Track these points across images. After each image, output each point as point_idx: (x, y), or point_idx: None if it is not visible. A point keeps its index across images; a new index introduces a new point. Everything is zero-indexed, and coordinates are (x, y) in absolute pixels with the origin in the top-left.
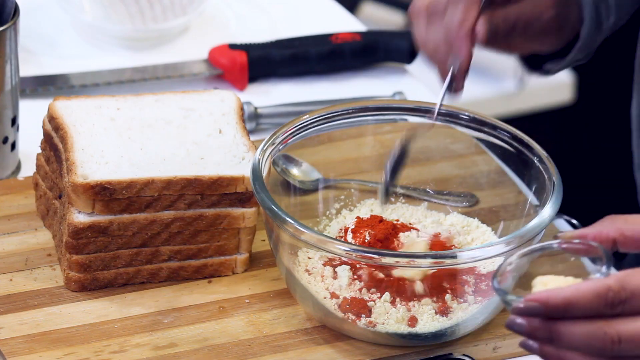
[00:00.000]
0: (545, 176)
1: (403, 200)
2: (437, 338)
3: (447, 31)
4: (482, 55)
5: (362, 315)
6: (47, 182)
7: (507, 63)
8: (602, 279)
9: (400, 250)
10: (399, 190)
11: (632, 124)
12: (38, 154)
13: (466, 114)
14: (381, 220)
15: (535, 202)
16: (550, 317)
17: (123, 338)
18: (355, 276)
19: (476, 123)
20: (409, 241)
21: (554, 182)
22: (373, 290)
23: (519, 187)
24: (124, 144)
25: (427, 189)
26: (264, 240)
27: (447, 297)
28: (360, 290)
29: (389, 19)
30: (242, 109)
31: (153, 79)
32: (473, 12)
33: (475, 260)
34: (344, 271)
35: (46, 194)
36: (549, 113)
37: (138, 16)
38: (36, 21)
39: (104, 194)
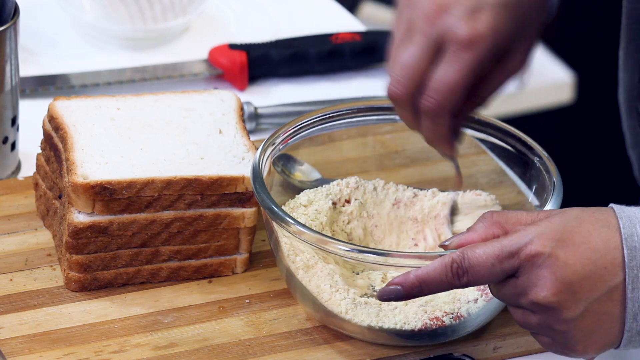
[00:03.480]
0: (546, 176)
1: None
2: (437, 338)
3: (427, 140)
4: None
5: None
6: (47, 182)
7: None
8: (449, 253)
9: (398, 250)
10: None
11: (621, 109)
12: (38, 154)
13: None
14: None
15: (536, 202)
16: (410, 295)
17: (123, 338)
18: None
19: (477, 123)
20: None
21: (554, 182)
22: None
23: (519, 187)
24: (124, 144)
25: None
26: (264, 240)
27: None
28: None
29: (389, 19)
30: (242, 109)
31: (153, 79)
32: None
33: None
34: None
35: (46, 194)
36: (549, 113)
37: (138, 16)
38: (36, 21)
39: (104, 194)
